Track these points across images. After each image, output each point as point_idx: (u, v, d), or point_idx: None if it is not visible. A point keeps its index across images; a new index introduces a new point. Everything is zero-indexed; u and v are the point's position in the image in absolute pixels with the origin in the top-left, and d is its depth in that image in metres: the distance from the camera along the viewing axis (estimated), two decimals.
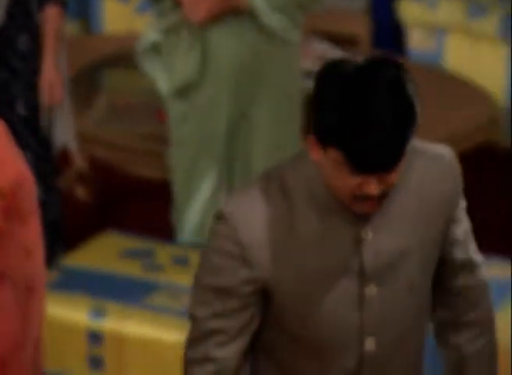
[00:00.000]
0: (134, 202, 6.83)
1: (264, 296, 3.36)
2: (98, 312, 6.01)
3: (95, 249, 6.32)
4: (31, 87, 6.82)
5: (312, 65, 7.20)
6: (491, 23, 8.47)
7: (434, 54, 8.91)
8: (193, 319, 3.38)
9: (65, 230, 6.14)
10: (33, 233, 4.50)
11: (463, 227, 3.53)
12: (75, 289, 6.15)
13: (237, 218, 3.24)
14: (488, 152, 7.61)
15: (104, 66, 7.24)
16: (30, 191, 4.39)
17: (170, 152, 6.30)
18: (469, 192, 6.99)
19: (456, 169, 3.48)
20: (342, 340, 3.40)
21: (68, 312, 6.00)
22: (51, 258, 5.84)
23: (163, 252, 6.29)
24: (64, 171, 6.15)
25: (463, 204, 3.50)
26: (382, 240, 3.29)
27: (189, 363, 3.44)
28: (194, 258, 6.05)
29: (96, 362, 6.01)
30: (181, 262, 6.27)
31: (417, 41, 8.68)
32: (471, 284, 3.65)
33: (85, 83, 6.97)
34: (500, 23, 8.45)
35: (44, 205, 5.48)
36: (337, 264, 3.27)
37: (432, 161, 3.40)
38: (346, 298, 3.31)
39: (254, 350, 3.52)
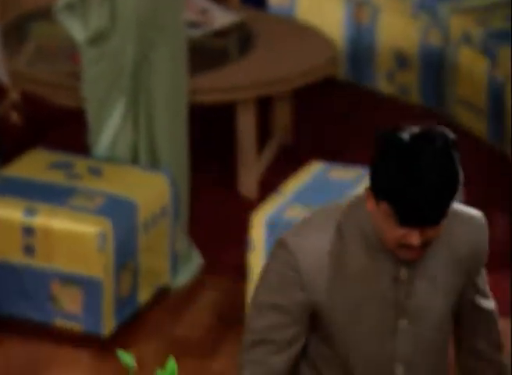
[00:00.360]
0: (57, 126, 7.23)
1: (313, 317, 3.55)
2: (30, 212, 6.31)
3: (27, 163, 6.64)
4: None
5: (195, 17, 7.58)
6: None
7: (288, 8, 8.41)
8: (249, 328, 3.60)
9: (2, 148, 6.54)
10: None
11: (483, 278, 3.72)
12: (11, 194, 6.42)
13: (297, 247, 3.42)
14: (329, 84, 7.86)
15: (33, 17, 7.32)
16: None
17: (84, 87, 6.68)
18: (313, 115, 7.73)
19: (485, 232, 3.59)
20: (375, 364, 3.59)
21: (6, 212, 6.32)
22: None
23: (81, 164, 6.59)
24: (0, 102, 6.41)
25: (485, 260, 3.64)
26: (416, 281, 3.46)
27: (244, 365, 3.61)
28: (106, 168, 6.55)
29: (29, 250, 6.30)
30: (95, 172, 6.57)
31: None
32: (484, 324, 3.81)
33: (15, 32, 7.19)
34: None
35: None
36: (377, 296, 3.47)
37: (464, 221, 3.55)
38: (383, 328, 3.53)
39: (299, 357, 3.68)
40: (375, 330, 3.52)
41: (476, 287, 3.68)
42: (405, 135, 3.25)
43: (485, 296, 3.76)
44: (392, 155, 3.23)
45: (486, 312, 3.79)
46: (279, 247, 3.46)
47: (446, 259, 3.52)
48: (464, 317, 3.79)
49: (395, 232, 3.24)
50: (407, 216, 3.19)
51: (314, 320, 3.55)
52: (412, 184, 3.19)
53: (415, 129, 3.29)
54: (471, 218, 3.56)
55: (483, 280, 3.72)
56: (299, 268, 3.42)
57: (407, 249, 3.29)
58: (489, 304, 3.80)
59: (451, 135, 3.30)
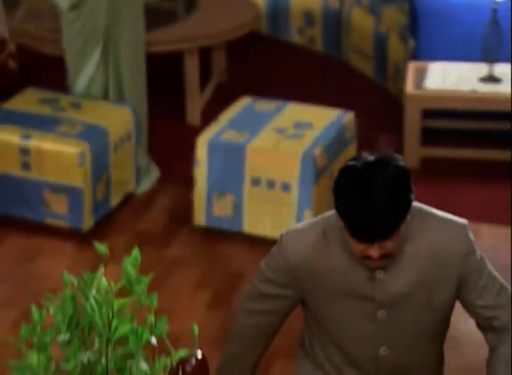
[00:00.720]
0: (45, 71, 7.13)
1: (302, 300, 3.46)
2: (26, 137, 6.26)
3: (21, 99, 6.55)
4: None
5: None
6: None
7: None
8: (251, 285, 3.49)
9: (4, 86, 6.44)
10: None
11: (481, 276, 3.38)
12: (10, 123, 6.33)
13: (287, 240, 3.34)
14: (254, 36, 7.86)
15: None
16: None
17: (64, 41, 6.56)
18: (243, 61, 7.64)
19: (467, 236, 3.33)
20: (361, 345, 3.40)
21: (6, 137, 6.26)
22: None
23: (64, 100, 6.57)
24: (0, 52, 6.37)
25: (475, 258, 3.34)
26: (390, 279, 3.27)
27: (239, 312, 3.54)
28: (84, 103, 6.49)
29: (26, 166, 6.27)
30: (75, 106, 6.53)
31: None
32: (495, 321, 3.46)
33: None
34: None
35: None
36: (355, 291, 3.29)
37: (445, 224, 3.33)
38: (362, 316, 3.34)
39: (306, 328, 3.57)
40: (355, 319, 3.36)
41: (473, 289, 3.38)
42: (359, 163, 3.11)
43: (488, 294, 3.42)
44: (346, 181, 3.10)
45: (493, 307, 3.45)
46: (279, 240, 3.40)
47: (424, 261, 3.29)
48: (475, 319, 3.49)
49: (357, 246, 3.11)
50: (359, 234, 3.06)
51: (304, 303, 3.47)
52: (360, 208, 3.06)
53: (370, 157, 3.13)
54: (451, 230, 3.32)
55: (482, 277, 3.37)
56: (286, 256, 3.34)
57: (370, 260, 3.14)
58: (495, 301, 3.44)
59: (401, 163, 3.13)
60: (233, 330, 3.59)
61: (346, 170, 3.14)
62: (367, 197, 3.07)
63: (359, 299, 3.32)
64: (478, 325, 3.52)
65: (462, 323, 5.61)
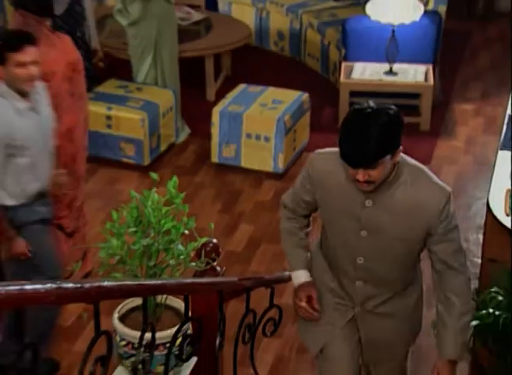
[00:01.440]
0: (120, 68, 6.85)
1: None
2: (109, 108, 6.10)
3: (106, 85, 6.44)
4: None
5: (183, 15, 7.33)
6: None
7: (227, 10, 8.11)
8: (287, 195, 3.19)
9: (95, 79, 6.16)
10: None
11: (438, 248, 2.94)
12: (100, 100, 6.14)
13: (314, 161, 3.02)
14: (247, 47, 7.55)
15: (109, 15, 7.12)
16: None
17: (130, 49, 6.44)
18: (240, 62, 7.23)
19: (445, 199, 2.86)
20: (346, 253, 3.03)
21: (97, 108, 5.99)
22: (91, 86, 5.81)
23: (131, 86, 6.39)
24: (94, 56, 6.11)
25: (445, 217, 2.87)
26: (376, 210, 2.90)
27: (282, 216, 3.23)
28: (143, 88, 6.32)
29: (109, 126, 6.10)
30: (139, 89, 6.34)
31: None
32: (446, 274, 2.99)
33: (102, 22, 6.97)
34: None
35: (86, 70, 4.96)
36: (349, 209, 2.93)
37: (432, 185, 2.89)
38: (350, 231, 2.97)
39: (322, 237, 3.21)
40: (345, 231, 3.00)
41: (437, 239, 2.93)
42: (363, 107, 2.76)
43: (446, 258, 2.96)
44: (348, 117, 2.78)
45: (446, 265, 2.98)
46: (309, 157, 3.08)
47: (401, 206, 2.87)
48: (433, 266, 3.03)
49: (349, 170, 2.78)
50: (348, 160, 2.74)
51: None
52: (352, 139, 2.72)
53: (365, 105, 2.76)
54: (433, 194, 2.87)
55: (447, 240, 2.93)
56: (310, 168, 3.02)
57: (358, 183, 2.79)
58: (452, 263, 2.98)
59: (395, 113, 2.75)
60: (281, 230, 3.24)
61: (351, 111, 2.81)
62: (360, 130, 2.72)
63: (351, 217, 2.96)
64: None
65: None
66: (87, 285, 2.06)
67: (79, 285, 2.00)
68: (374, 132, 2.69)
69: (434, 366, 3.04)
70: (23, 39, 3.77)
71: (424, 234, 2.94)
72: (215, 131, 6.09)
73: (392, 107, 2.78)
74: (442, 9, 6.86)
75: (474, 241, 5.26)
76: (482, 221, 4.33)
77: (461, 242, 3.01)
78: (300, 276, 3.14)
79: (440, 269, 2.99)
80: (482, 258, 4.12)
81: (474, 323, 3.25)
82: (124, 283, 2.43)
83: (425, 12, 6.59)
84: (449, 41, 7.33)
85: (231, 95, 6.27)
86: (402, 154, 2.87)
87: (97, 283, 2.13)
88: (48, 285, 1.84)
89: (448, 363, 3.03)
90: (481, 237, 4.57)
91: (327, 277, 3.19)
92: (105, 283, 2.18)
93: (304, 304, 3.07)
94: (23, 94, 3.85)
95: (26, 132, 3.86)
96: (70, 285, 1.98)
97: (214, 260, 3.14)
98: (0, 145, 3.76)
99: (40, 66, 3.87)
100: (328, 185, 2.99)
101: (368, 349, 3.25)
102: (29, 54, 3.76)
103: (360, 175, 2.75)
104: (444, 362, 3.03)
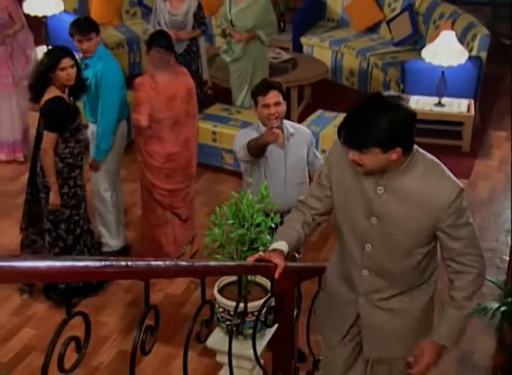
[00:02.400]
0: (224, 95, 6.71)
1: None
2: (214, 126, 6.02)
3: (213, 108, 6.32)
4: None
5: (275, 55, 7.25)
6: None
7: (310, 52, 7.92)
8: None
9: (204, 104, 6.17)
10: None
11: (447, 241, 2.48)
12: (207, 119, 6.04)
13: (334, 145, 2.61)
14: (324, 81, 7.39)
15: (216, 54, 6.96)
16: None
17: (231, 80, 6.46)
18: (318, 93, 7.11)
19: (456, 194, 2.42)
20: (355, 240, 2.59)
21: (205, 126, 5.92)
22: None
23: (233, 109, 6.35)
24: (204, 86, 6.36)
25: (454, 213, 2.42)
26: (387, 197, 2.45)
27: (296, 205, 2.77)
28: (242, 111, 6.21)
29: (214, 140, 5.99)
30: (238, 111, 6.29)
31: None
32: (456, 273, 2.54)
33: (212, 60, 6.93)
34: None
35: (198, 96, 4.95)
36: (363, 192, 2.49)
37: (444, 179, 2.43)
38: (362, 215, 2.52)
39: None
40: (356, 215, 2.55)
41: (446, 236, 2.48)
42: (375, 94, 2.40)
43: (454, 251, 2.51)
44: (360, 101, 2.40)
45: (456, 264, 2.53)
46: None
47: (411, 193, 2.43)
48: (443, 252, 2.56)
49: (350, 152, 2.37)
50: (338, 135, 2.37)
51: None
52: (346, 117, 2.35)
53: (387, 94, 2.34)
54: (444, 186, 2.43)
55: (456, 237, 2.47)
56: (329, 156, 2.66)
57: (355, 165, 2.40)
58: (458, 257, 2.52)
59: (402, 114, 2.29)
60: (285, 220, 2.81)
61: (373, 94, 2.47)
62: (360, 114, 2.32)
63: (363, 202, 2.51)
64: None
65: None
66: (196, 264, 2.08)
67: (190, 263, 2.03)
68: (371, 121, 2.27)
69: (418, 347, 2.58)
70: (269, 85, 3.85)
71: (432, 227, 2.46)
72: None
73: (409, 110, 2.33)
74: (483, 55, 6.73)
75: (503, 241, 5.24)
76: (510, 226, 4.36)
77: (475, 241, 2.52)
78: (278, 245, 2.62)
79: (449, 266, 2.54)
80: (510, 255, 4.12)
81: (502, 308, 3.16)
82: (224, 263, 2.45)
83: (469, 57, 6.52)
84: (488, 81, 7.17)
85: (310, 118, 6.23)
86: (418, 148, 2.45)
87: (204, 263, 2.14)
88: (168, 262, 1.86)
89: (437, 346, 2.57)
90: (509, 239, 4.71)
91: (336, 278, 2.76)
92: (210, 263, 2.20)
93: (264, 255, 2.55)
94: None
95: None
96: (184, 263, 2.01)
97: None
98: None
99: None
100: (344, 166, 2.54)
101: (368, 342, 2.77)
102: (272, 97, 3.80)
103: (350, 154, 2.37)
104: (433, 343, 2.57)
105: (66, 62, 4.05)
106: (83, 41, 4.54)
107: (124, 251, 5.03)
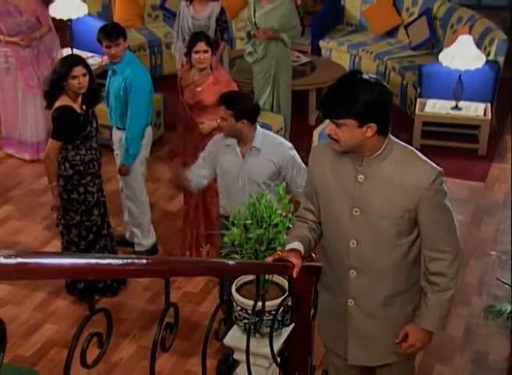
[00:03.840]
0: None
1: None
2: None
3: None
4: None
5: (295, 58, 7.18)
6: None
7: (328, 55, 7.94)
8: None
9: None
10: None
11: (427, 225, 2.47)
12: None
13: (311, 152, 2.66)
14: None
15: (238, 57, 7.10)
16: None
17: (254, 82, 6.35)
18: None
19: (434, 177, 2.41)
20: (338, 239, 2.58)
21: None
22: None
23: None
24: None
25: (432, 195, 2.42)
26: (368, 185, 2.45)
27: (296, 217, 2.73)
28: (263, 113, 6.29)
29: None
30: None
31: None
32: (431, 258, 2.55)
33: (232, 63, 6.89)
34: None
35: None
36: (344, 184, 2.49)
37: (422, 164, 2.43)
38: (344, 210, 2.51)
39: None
40: (339, 210, 2.53)
41: (425, 218, 2.47)
42: (355, 70, 2.44)
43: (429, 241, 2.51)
44: (341, 76, 2.44)
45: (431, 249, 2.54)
46: None
47: (392, 182, 2.43)
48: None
49: (327, 127, 2.40)
50: (318, 106, 2.44)
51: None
52: (328, 90, 2.39)
53: (367, 74, 2.36)
54: (423, 169, 2.43)
55: (435, 220, 2.48)
56: (310, 161, 2.64)
57: (332, 142, 2.43)
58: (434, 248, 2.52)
59: (382, 92, 2.32)
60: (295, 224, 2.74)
61: (352, 70, 2.51)
62: (340, 86, 2.35)
63: (345, 194, 2.50)
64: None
65: None
66: (215, 262, 2.08)
67: (210, 262, 2.03)
68: (351, 94, 2.28)
69: (403, 329, 2.60)
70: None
71: (414, 210, 2.44)
72: (315, 143, 6.06)
73: (387, 90, 2.36)
74: (501, 59, 6.68)
75: None
76: None
77: (452, 226, 2.52)
78: (294, 245, 2.62)
79: (427, 252, 2.54)
80: None
81: None
82: (242, 263, 2.45)
83: (487, 61, 6.48)
84: (504, 85, 7.07)
85: (327, 121, 6.16)
86: (392, 136, 2.47)
87: (223, 262, 2.14)
88: (188, 261, 1.86)
89: (421, 330, 2.59)
90: None
91: (324, 278, 2.74)
92: (229, 262, 2.19)
93: (282, 254, 2.54)
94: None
95: None
96: (204, 262, 2.01)
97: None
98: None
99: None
100: (323, 167, 2.55)
101: (353, 349, 2.71)
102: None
103: (328, 127, 2.37)
104: (417, 328, 2.58)
105: (78, 70, 4.06)
106: (111, 46, 4.53)
107: (154, 249, 5.09)
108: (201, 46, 4.58)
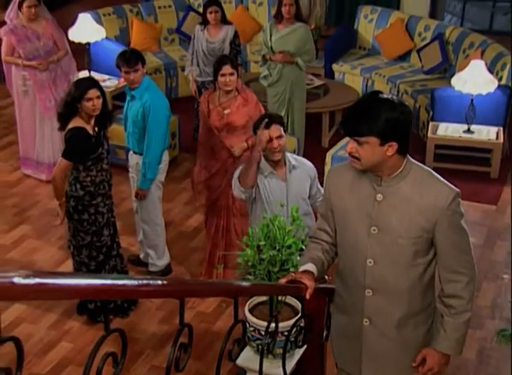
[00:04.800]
0: None
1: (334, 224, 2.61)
2: None
3: None
4: None
5: (308, 81, 7.13)
6: None
7: (341, 78, 7.95)
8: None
9: None
10: None
11: (444, 246, 2.46)
12: None
13: (328, 174, 2.66)
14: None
15: (255, 79, 7.15)
16: None
17: (268, 104, 6.30)
18: None
19: (451, 198, 2.40)
20: (355, 258, 2.54)
21: None
22: None
23: None
24: None
25: (450, 216, 2.40)
26: (386, 205, 2.43)
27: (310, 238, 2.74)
28: None
29: None
30: None
31: None
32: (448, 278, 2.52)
33: (247, 84, 7.59)
34: None
35: None
36: (361, 204, 2.47)
37: (439, 185, 2.43)
38: (361, 229, 2.49)
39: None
40: (356, 229, 2.52)
41: (443, 239, 2.45)
42: (376, 91, 2.41)
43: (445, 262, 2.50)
44: (362, 96, 2.47)
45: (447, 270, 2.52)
46: None
47: (411, 201, 2.42)
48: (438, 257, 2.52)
49: (348, 145, 2.40)
50: (341, 125, 2.40)
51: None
52: (350, 108, 2.38)
53: (388, 95, 2.38)
54: (441, 190, 2.42)
55: (452, 241, 2.46)
56: (327, 182, 2.63)
57: (352, 160, 2.42)
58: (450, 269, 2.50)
59: (405, 112, 2.33)
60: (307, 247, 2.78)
61: (373, 91, 2.43)
62: (363, 105, 2.34)
63: (363, 213, 2.47)
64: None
65: None
66: (230, 284, 2.08)
67: (224, 283, 2.03)
68: (374, 112, 2.28)
69: (420, 352, 2.58)
70: (271, 119, 3.89)
71: (431, 230, 2.42)
72: (327, 168, 6.03)
73: (409, 109, 2.37)
74: None
75: None
76: None
77: (468, 248, 2.50)
78: (307, 267, 2.61)
79: (442, 274, 2.51)
80: None
81: None
82: (256, 284, 2.45)
83: (499, 85, 6.46)
84: None
85: (340, 144, 6.18)
86: (410, 157, 2.46)
87: (237, 283, 2.14)
88: (203, 282, 1.86)
89: (438, 353, 2.56)
90: None
91: (338, 299, 2.70)
92: (244, 283, 2.19)
93: (295, 276, 2.54)
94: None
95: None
96: (218, 283, 2.01)
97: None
98: None
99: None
100: (341, 187, 2.54)
101: (367, 368, 2.68)
102: (274, 131, 3.84)
103: (349, 145, 2.36)
104: (435, 352, 2.57)
105: (92, 93, 4.09)
106: (130, 72, 4.53)
107: (168, 269, 5.10)
108: (227, 69, 4.55)
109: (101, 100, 4.15)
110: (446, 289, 2.53)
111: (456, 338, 2.56)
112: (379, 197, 2.45)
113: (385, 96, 2.34)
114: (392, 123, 2.29)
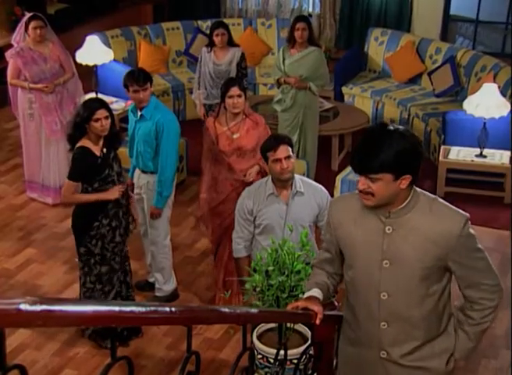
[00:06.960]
0: None
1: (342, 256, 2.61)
2: None
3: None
4: None
5: (319, 104, 6.98)
6: None
7: (351, 101, 7.96)
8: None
9: None
10: None
11: (466, 271, 2.45)
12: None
13: (331, 206, 2.61)
14: (364, 129, 8.03)
15: (264, 101, 7.24)
16: None
17: (279, 128, 6.35)
18: None
19: (463, 224, 2.38)
20: (367, 291, 2.51)
21: None
22: None
23: None
24: None
25: (464, 243, 2.39)
26: (396, 236, 2.41)
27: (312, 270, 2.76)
28: None
29: None
30: None
31: None
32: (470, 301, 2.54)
33: (256, 107, 6.91)
34: None
35: None
36: (370, 238, 2.44)
37: (448, 211, 2.40)
38: (373, 263, 2.46)
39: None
40: (368, 263, 2.48)
41: (460, 266, 2.45)
42: (383, 123, 2.37)
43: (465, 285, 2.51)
44: (368, 130, 2.41)
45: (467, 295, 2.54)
46: None
47: (421, 231, 2.40)
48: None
49: (360, 182, 2.35)
50: (351, 163, 2.34)
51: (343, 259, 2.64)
52: (359, 145, 2.32)
53: (394, 126, 2.34)
54: (452, 216, 2.40)
55: (470, 266, 2.45)
56: (331, 215, 2.58)
57: (361, 195, 2.38)
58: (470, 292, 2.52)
59: (414, 143, 2.31)
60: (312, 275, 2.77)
61: (379, 123, 2.38)
62: (374, 141, 2.28)
63: (373, 247, 2.45)
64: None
65: None
66: (238, 310, 2.08)
67: (233, 310, 2.03)
68: (386, 147, 2.25)
69: None
70: (279, 140, 3.92)
71: (445, 258, 2.42)
72: (337, 193, 6.02)
73: (418, 139, 2.38)
74: None
75: None
76: None
77: (490, 268, 2.50)
78: (313, 292, 2.60)
79: (468, 292, 2.52)
80: None
81: None
82: (265, 310, 2.44)
83: None
84: None
85: (350, 167, 6.21)
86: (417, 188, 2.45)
87: (245, 310, 2.14)
88: (210, 309, 1.86)
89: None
90: None
91: (349, 333, 2.66)
92: (252, 310, 2.19)
93: (301, 305, 2.52)
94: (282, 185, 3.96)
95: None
96: (226, 310, 2.00)
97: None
98: None
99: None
100: (346, 221, 2.51)
101: None
102: (283, 151, 3.87)
103: (360, 182, 2.32)
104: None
105: (101, 113, 4.12)
106: (139, 91, 4.55)
107: (174, 294, 5.10)
108: (235, 91, 4.56)
109: (109, 120, 4.17)
110: (468, 310, 2.55)
111: (474, 347, 2.59)
112: (388, 229, 2.43)
113: (392, 128, 2.32)
114: (403, 156, 2.28)
